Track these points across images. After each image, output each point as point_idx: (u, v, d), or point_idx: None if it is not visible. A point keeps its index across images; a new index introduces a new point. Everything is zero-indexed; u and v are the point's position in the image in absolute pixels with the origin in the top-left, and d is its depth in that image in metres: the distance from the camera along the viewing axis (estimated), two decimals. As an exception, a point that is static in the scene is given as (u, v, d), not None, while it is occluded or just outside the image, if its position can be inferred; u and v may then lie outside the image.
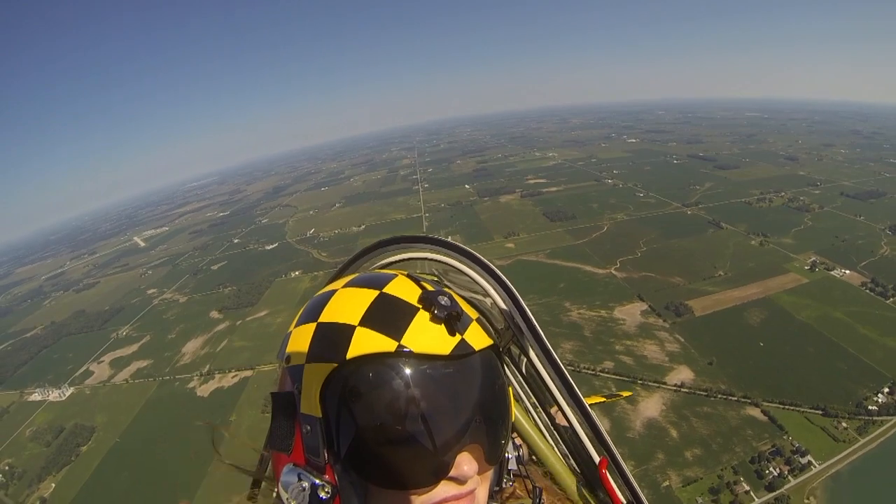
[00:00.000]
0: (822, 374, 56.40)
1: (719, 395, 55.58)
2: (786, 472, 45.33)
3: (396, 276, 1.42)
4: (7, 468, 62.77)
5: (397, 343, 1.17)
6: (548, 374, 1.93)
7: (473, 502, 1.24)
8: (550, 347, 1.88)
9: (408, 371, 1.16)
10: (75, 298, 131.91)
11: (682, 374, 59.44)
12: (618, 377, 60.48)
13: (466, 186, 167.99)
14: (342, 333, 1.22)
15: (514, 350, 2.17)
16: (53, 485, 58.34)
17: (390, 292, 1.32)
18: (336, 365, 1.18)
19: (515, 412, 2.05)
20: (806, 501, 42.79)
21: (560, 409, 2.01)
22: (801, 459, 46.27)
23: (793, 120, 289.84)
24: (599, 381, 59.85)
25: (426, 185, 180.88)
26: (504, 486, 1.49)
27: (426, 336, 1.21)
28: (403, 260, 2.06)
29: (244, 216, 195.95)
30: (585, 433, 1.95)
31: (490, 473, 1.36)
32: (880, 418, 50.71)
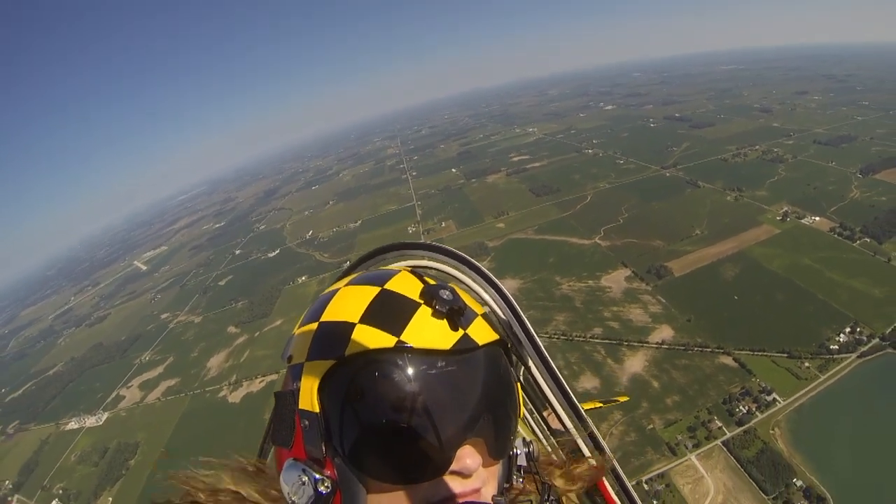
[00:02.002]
0: (789, 320, 62.09)
1: (696, 349, 61.62)
2: (753, 409, 51.65)
3: (399, 272, 1.44)
4: (61, 492, 65.86)
5: (396, 339, 1.18)
6: (545, 381, 2.16)
7: (479, 498, 1.23)
8: (547, 355, 2.14)
9: (407, 366, 1.16)
10: (89, 333, 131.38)
11: (664, 333, 65.48)
12: (607, 341, 66.42)
13: (453, 170, 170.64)
14: (342, 331, 1.23)
15: (512, 358, 2.10)
16: (110, 498, 61.89)
17: (391, 288, 1.34)
18: (334, 361, 1.20)
19: None
20: (771, 432, 49.01)
21: (557, 415, 2.24)
22: (766, 397, 52.54)
23: (768, 69, 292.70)
24: (590, 347, 66.22)
25: (414, 174, 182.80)
26: (514, 482, 1.50)
27: (427, 331, 1.22)
28: (411, 266, 2.22)
29: (241, 225, 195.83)
30: (582, 440, 2.14)
31: (497, 469, 1.37)
32: (840, 356, 56.24)
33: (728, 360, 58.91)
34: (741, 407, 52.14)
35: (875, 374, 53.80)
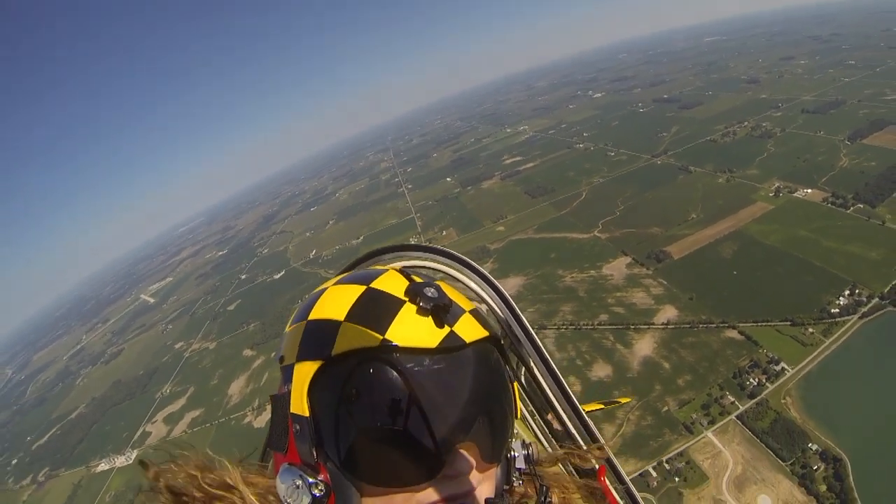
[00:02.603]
0: (790, 290, 63.56)
1: (701, 325, 63.15)
2: (763, 381, 53.11)
3: (387, 271, 1.41)
4: (99, 534, 65.23)
5: (381, 337, 1.16)
6: (545, 381, 2.18)
7: (473, 501, 1.20)
8: (547, 355, 2.15)
9: (394, 367, 1.13)
10: (106, 370, 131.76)
11: (668, 313, 67.10)
12: (613, 327, 68.07)
13: (448, 179, 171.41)
14: (328, 330, 1.21)
15: (512, 358, 2.36)
16: (151, 535, 63.71)
17: (377, 287, 1.31)
18: (322, 362, 1.18)
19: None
20: (783, 401, 50.47)
21: (557, 416, 2.24)
22: (775, 367, 53.95)
23: (753, 37, 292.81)
24: (598, 334, 67.98)
25: (410, 186, 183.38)
26: (514, 485, 1.46)
27: (412, 329, 1.18)
28: (409, 266, 2.31)
29: (244, 251, 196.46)
30: (583, 440, 2.14)
31: (494, 472, 1.33)
32: (842, 319, 57.61)
33: (734, 334, 60.36)
34: (751, 379, 53.60)
35: (878, 333, 55.09)
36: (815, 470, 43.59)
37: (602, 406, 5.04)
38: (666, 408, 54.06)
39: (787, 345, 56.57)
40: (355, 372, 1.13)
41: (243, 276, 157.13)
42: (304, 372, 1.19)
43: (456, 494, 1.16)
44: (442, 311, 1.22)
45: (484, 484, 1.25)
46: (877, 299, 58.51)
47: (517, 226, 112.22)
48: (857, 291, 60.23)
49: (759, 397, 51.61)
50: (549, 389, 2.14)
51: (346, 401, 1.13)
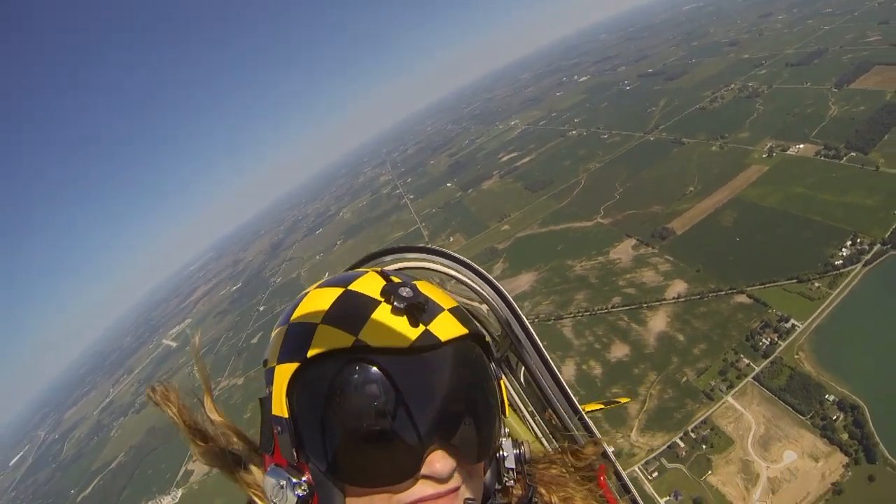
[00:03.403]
0: (792, 248, 65.33)
1: (710, 295, 65.06)
2: (776, 340, 55.03)
3: (367, 272, 1.40)
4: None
5: (354, 338, 1.15)
6: (545, 381, 2.16)
7: (454, 502, 1.18)
8: (547, 355, 2.15)
9: (365, 365, 1.14)
10: (138, 419, 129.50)
11: (678, 287, 69.07)
12: (627, 308, 70.14)
13: (448, 185, 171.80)
14: (305, 333, 1.22)
15: (513, 358, 2.39)
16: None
17: (355, 289, 1.31)
18: (298, 364, 1.18)
19: (511, 420, 2.29)
20: (796, 357, 52.33)
21: (557, 416, 2.22)
22: (785, 325, 55.82)
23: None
24: (613, 317, 70.02)
25: (411, 196, 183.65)
26: (506, 484, 1.44)
27: (385, 329, 1.18)
28: (403, 268, 2.30)
29: (257, 283, 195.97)
30: (583, 440, 2.09)
31: (480, 471, 1.33)
32: (846, 269, 59.28)
33: (742, 299, 62.22)
34: (764, 340, 55.42)
35: (882, 278, 56.66)
36: (835, 420, 45.39)
37: (602, 406, 5.04)
38: (685, 378, 56.07)
39: (794, 302, 58.25)
40: (328, 373, 1.15)
41: (261, 308, 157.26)
42: (283, 374, 1.21)
43: (436, 494, 1.15)
44: (417, 310, 1.21)
45: (468, 484, 1.24)
46: (878, 245, 60.00)
47: (522, 222, 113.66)
48: (858, 240, 61.70)
49: (772, 356, 53.46)
50: (549, 389, 2.20)
51: (320, 402, 1.14)
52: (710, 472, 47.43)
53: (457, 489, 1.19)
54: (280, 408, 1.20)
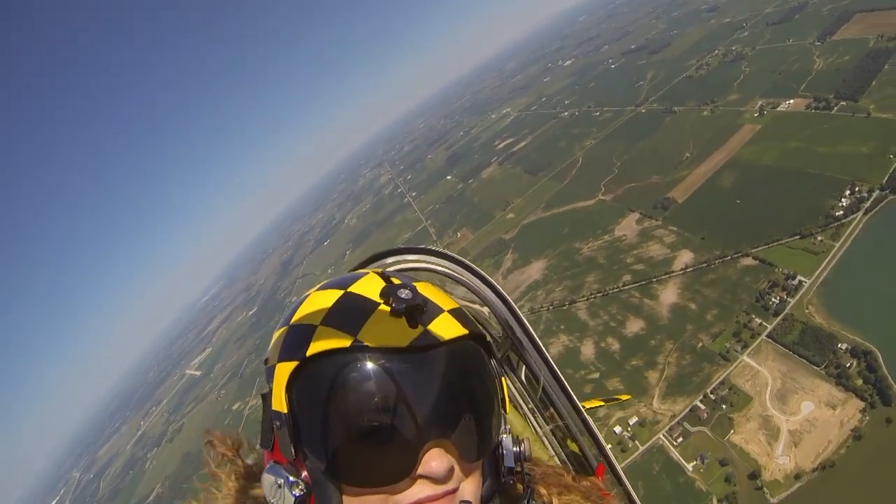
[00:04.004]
0: (792, 205, 66.58)
1: (717, 261, 66.49)
2: (785, 297, 56.54)
3: (367, 274, 1.40)
4: None
5: (353, 338, 1.16)
6: (546, 380, 2.17)
7: (452, 502, 1.18)
8: (548, 355, 2.15)
9: (362, 366, 1.14)
10: (173, 447, 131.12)
11: (685, 258, 70.59)
12: (637, 284, 71.70)
13: (448, 178, 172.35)
14: (305, 333, 1.22)
15: (513, 358, 2.40)
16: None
17: (354, 290, 1.32)
18: (298, 362, 1.18)
19: (513, 418, 2.26)
20: (806, 311, 53.84)
21: (558, 414, 2.23)
22: (793, 282, 57.29)
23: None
24: (625, 294, 71.53)
25: (413, 194, 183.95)
26: (507, 483, 1.43)
27: (383, 330, 1.18)
28: (405, 269, 2.32)
29: (273, 304, 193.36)
30: (583, 438, 2.14)
31: (479, 471, 1.32)
32: (847, 219, 60.50)
33: (749, 261, 63.72)
34: (773, 299, 56.91)
35: (883, 223, 57.96)
36: (849, 367, 46.91)
37: (602, 403, 5.40)
38: (700, 344, 57.71)
39: (799, 258, 59.66)
40: (325, 371, 1.16)
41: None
42: (283, 371, 1.21)
43: (433, 495, 1.15)
44: (416, 311, 1.21)
45: (466, 483, 1.24)
46: (877, 192, 61.07)
47: (525, 209, 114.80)
48: (856, 189, 62.74)
49: (783, 313, 54.96)
50: (550, 387, 2.21)
51: (318, 399, 1.15)
52: (732, 431, 49.06)
53: (454, 491, 1.20)
54: (279, 403, 1.21)
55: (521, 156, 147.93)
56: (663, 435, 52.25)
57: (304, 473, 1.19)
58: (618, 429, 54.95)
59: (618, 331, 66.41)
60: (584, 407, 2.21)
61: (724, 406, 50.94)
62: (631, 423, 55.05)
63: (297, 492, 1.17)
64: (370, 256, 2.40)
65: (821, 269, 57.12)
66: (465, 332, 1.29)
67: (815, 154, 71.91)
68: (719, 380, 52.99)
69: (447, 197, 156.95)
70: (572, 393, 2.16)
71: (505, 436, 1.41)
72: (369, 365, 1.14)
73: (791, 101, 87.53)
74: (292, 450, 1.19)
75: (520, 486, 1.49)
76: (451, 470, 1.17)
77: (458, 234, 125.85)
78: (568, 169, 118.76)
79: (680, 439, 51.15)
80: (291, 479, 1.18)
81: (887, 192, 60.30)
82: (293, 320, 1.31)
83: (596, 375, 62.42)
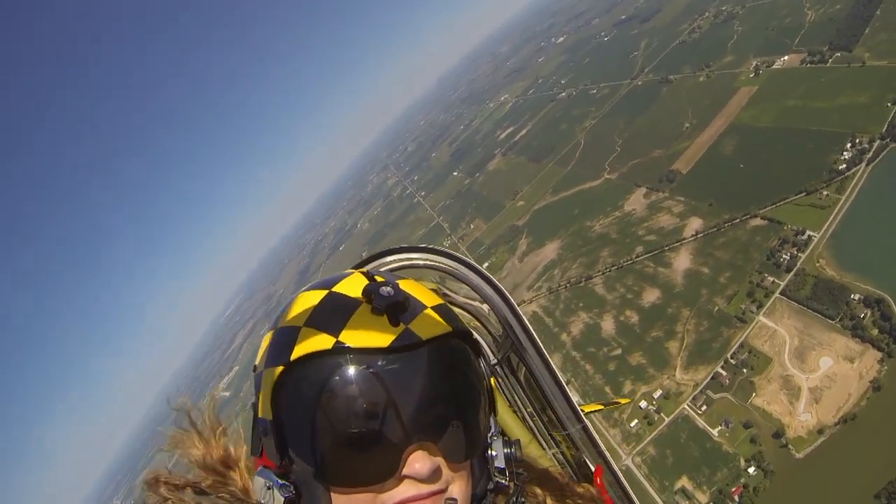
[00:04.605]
0: (795, 163, 67.49)
1: (726, 225, 67.72)
2: (795, 253, 57.93)
3: (352, 273, 1.39)
4: None
5: (335, 339, 1.14)
6: (545, 382, 2.14)
7: (438, 502, 1.16)
8: (547, 356, 2.12)
9: (344, 367, 1.12)
10: None
11: (694, 225, 72.01)
12: (650, 255, 73.27)
13: (455, 173, 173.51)
14: (290, 336, 1.21)
15: (514, 358, 2.37)
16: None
17: (338, 290, 1.30)
18: (283, 367, 1.17)
19: (509, 420, 2.28)
20: (817, 265, 55.08)
21: (557, 417, 2.21)
22: (802, 238, 58.60)
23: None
24: (639, 266, 73.27)
25: (423, 193, 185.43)
26: (498, 483, 1.38)
27: (364, 330, 1.17)
28: (405, 267, 2.34)
29: None
30: (581, 441, 2.12)
31: (467, 471, 1.28)
32: (851, 172, 61.31)
33: (757, 222, 64.98)
34: (784, 256, 58.30)
35: (887, 173, 58.67)
36: (863, 318, 48.17)
37: (601, 407, 5.41)
38: (716, 308, 59.25)
39: (807, 214, 60.80)
40: (308, 375, 1.14)
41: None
42: (269, 377, 1.21)
43: (419, 495, 1.14)
44: (397, 310, 1.20)
45: (455, 483, 1.22)
46: (878, 141, 61.70)
47: (534, 195, 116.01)
48: (857, 141, 63.43)
49: (795, 269, 56.34)
50: (549, 390, 2.17)
51: (300, 403, 1.15)
52: (754, 394, 50.77)
53: (442, 491, 1.18)
54: (265, 410, 1.21)
55: (524, 144, 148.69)
56: (688, 405, 54.05)
57: (292, 476, 1.20)
58: (643, 403, 56.82)
59: (635, 302, 68.01)
60: (583, 410, 2.24)
61: (744, 370, 52.49)
62: (655, 397, 56.84)
63: (286, 493, 1.18)
64: (370, 256, 2.49)
65: (828, 222, 58.26)
66: (449, 329, 1.27)
67: (814, 110, 72.49)
68: (738, 343, 54.54)
69: (456, 192, 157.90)
70: (571, 396, 2.18)
71: (496, 436, 1.40)
72: (349, 368, 1.13)
73: (785, 58, 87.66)
74: (278, 455, 1.20)
75: (512, 487, 1.45)
76: (437, 470, 1.15)
77: (472, 226, 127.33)
78: (571, 152, 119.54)
79: (704, 407, 52.92)
80: (280, 482, 1.19)
81: (888, 140, 60.88)
82: (280, 324, 1.31)
83: (618, 352, 64.27)
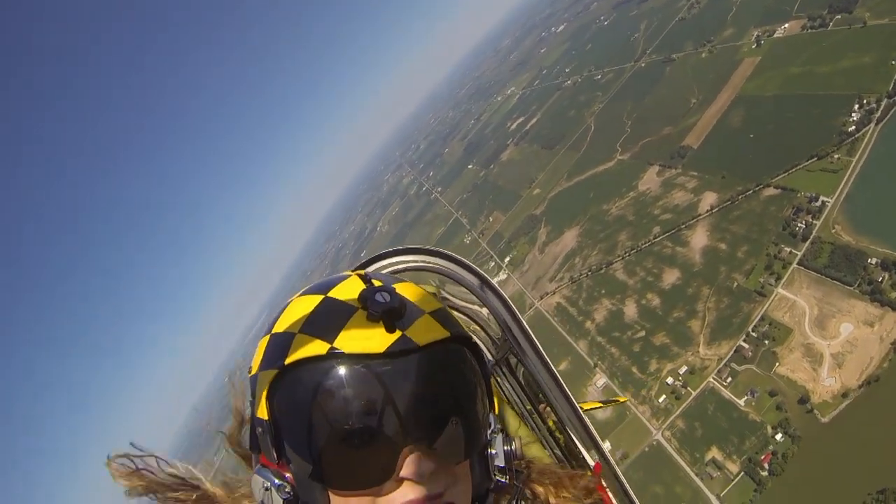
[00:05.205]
0: (804, 129, 67.71)
1: (740, 197, 68.19)
2: (810, 220, 58.32)
3: (349, 277, 1.36)
4: None
5: (329, 345, 1.14)
6: (544, 382, 2.15)
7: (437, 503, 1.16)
8: (546, 356, 2.12)
9: (338, 372, 1.11)
10: None
11: (709, 199, 72.62)
12: (667, 234, 74.18)
13: (469, 167, 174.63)
14: (285, 341, 1.21)
15: (513, 360, 2.44)
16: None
17: (334, 295, 1.28)
18: (277, 371, 1.18)
19: (508, 419, 2.33)
20: (833, 231, 55.60)
21: (556, 414, 2.23)
22: (816, 204, 58.95)
23: None
24: (657, 246, 74.08)
25: (439, 189, 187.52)
26: (498, 482, 1.38)
27: (360, 336, 1.15)
28: (405, 269, 2.33)
29: None
30: (580, 439, 2.12)
31: (466, 472, 1.28)
32: (860, 133, 61.38)
33: (771, 191, 65.46)
34: (799, 224, 58.84)
35: (896, 131, 58.45)
36: (881, 282, 48.74)
37: (600, 405, 5.45)
38: (735, 283, 60.11)
39: (819, 179, 61.16)
40: (302, 379, 1.15)
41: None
42: (264, 379, 1.21)
43: (416, 499, 1.13)
44: (394, 315, 1.17)
45: (454, 485, 1.22)
46: (885, 100, 61.60)
47: (549, 183, 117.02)
48: (864, 101, 63.26)
49: (811, 237, 56.89)
50: (548, 389, 2.19)
51: (295, 406, 1.15)
52: (777, 364, 51.75)
53: (440, 494, 1.17)
54: (262, 410, 1.22)
55: (535, 132, 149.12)
56: (713, 378, 55.23)
57: (289, 476, 1.20)
58: (670, 380, 58.38)
59: (656, 285, 69.06)
60: (582, 408, 2.24)
61: (766, 342, 53.46)
62: (681, 372, 58.15)
63: (284, 494, 1.18)
64: (371, 258, 2.49)
65: (841, 186, 58.62)
66: (447, 334, 1.26)
67: (818, 75, 72.32)
68: (758, 316, 55.43)
69: (472, 186, 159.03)
70: (570, 394, 2.20)
71: (496, 434, 1.40)
72: (344, 373, 1.12)
73: (786, 25, 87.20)
74: (275, 455, 1.21)
75: (513, 486, 1.46)
76: (435, 472, 1.15)
77: (491, 219, 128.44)
78: (582, 137, 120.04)
79: (729, 379, 54.08)
80: (278, 482, 1.19)
81: (895, 99, 60.70)
82: (275, 329, 1.30)
83: (642, 334, 65.47)
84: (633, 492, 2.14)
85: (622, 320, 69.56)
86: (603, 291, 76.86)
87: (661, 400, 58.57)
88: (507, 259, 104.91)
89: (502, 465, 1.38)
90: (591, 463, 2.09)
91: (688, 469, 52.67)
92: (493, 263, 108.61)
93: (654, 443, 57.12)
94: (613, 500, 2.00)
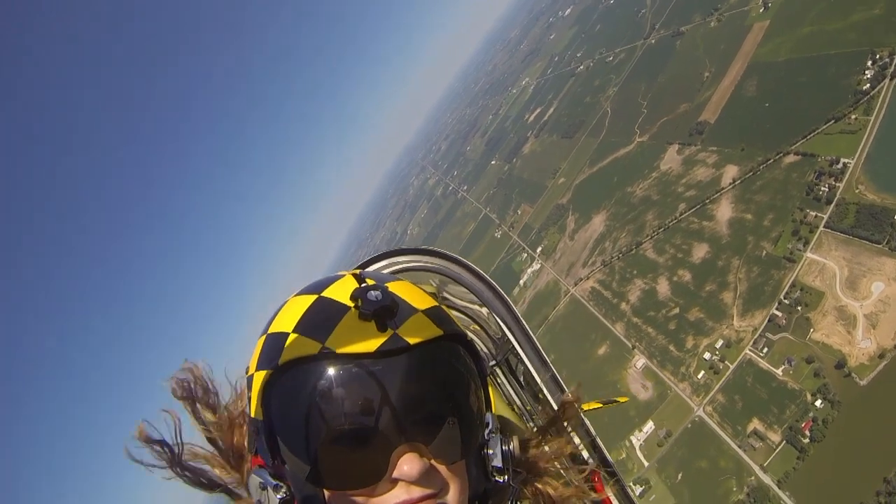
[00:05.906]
0: (819, 92, 67.63)
1: (761, 167, 68.52)
2: (833, 183, 58.63)
3: (342, 276, 1.37)
4: None
5: (321, 345, 1.14)
6: (543, 381, 2.18)
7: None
8: (545, 355, 2.17)
9: (330, 372, 1.12)
10: None
11: (731, 172, 72.96)
12: (692, 210, 74.99)
13: (493, 163, 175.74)
14: (279, 342, 1.21)
15: (512, 360, 2.45)
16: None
17: (327, 295, 1.28)
18: (271, 371, 1.18)
19: (508, 418, 2.25)
20: (857, 191, 55.86)
21: (556, 415, 2.01)
22: (837, 167, 59.22)
23: None
24: (684, 223, 75.04)
25: (465, 188, 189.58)
26: (496, 482, 1.36)
27: (351, 335, 1.16)
28: (404, 269, 2.36)
29: None
30: (581, 440, 2.10)
31: (461, 472, 1.26)
32: (875, 90, 61.04)
33: (791, 158, 65.71)
34: (822, 188, 59.17)
35: (913, 85, 58.04)
36: (909, 236, 48.76)
37: (600, 405, 5.01)
38: (764, 252, 60.85)
39: (838, 141, 61.25)
40: (295, 379, 1.15)
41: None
42: (259, 379, 1.21)
43: (410, 499, 1.13)
44: (385, 314, 1.19)
45: (450, 485, 1.21)
46: (898, 54, 60.78)
47: (573, 171, 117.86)
48: (877, 57, 62.62)
49: (836, 199, 57.15)
50: (547, 389, 2.19)
51: (287, 406, 1.16)
52: (812, 330, 52.39)
53: (434, 494, 1.17)
54: (257, 410, 1.21)
55: (554, 122, 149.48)
56: (749, 349, 56.18)
57: (286, 476, 1.20)
58: (707, 355, 59.58)
59: (686, 261, 70.01)
60: (582, 409, 2.12)
61: (799, 308, 54.10)
62: (718, 347, 59.27)
63: (280, 494, 1.19)
64: (371, 258, 2.56)
65: (861, 146, 58.55)
66: (440, 332, 1.27)
67: (829, 32, 71.61)
68: (789, 283, 56.11)
69: (497, 181, 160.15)
70: (570, 394, 2.07)
71: (493, 434, 1.38)
72: (335, 372, 1.12)
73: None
74: (269, 455, 1.21)
75: (510, 486, 1.43)
76: (429, 472, 1.15)
77: (519, 212, 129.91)
78: (600, 122, 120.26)
79: (765, 350, 54.93)
80: (274, 482, 1.20)
81: (910, 52, 59.83)
82: (270, 329, 1.30)
83: (676, 311, 66.62)
84: (633, 492, 2.25)
85: (656, 298, 70.73)
86: (635, 272, 77.99)
87: (700, 376, 59.68)
88: (539, 249, 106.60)
89: (500, 465, 1.37)
90: (591, 462, 2.15)
91: (731, 442, 53.68)
92: (525, 255, 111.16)
93: (697, 419, 58.25)
94: (614, 501, 2.08)
